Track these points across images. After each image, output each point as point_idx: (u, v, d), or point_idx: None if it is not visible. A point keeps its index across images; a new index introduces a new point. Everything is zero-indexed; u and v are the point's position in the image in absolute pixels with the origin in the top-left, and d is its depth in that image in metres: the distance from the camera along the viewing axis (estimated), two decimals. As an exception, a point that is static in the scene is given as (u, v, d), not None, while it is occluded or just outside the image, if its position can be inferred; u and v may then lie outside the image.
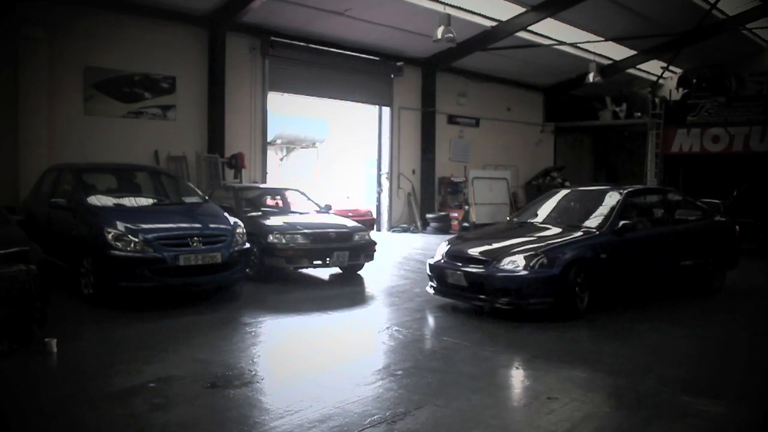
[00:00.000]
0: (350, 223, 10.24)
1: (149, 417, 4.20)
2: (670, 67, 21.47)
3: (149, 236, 7.23)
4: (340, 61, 15.86)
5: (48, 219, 8.23)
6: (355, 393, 4.71)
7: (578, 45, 18.01)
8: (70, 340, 5.83)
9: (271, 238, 8.96)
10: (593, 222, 7.73)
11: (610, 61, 20.20)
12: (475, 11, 15.43)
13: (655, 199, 8.96)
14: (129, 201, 8.25)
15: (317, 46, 15.22)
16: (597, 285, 7.18)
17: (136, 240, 7.15)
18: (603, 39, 17.61)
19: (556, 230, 7.77)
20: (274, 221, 9.48)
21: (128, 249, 7.10)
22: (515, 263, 6.93)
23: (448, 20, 12.89)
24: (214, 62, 13.53)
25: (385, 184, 18.02)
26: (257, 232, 9.00)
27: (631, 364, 5.52)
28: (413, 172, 18.45)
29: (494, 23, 16.12)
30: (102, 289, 7.22)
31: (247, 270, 8.41)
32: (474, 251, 7.45)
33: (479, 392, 4.75)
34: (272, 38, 14.40)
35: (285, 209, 10.91)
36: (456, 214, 18.22)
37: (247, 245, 8.11)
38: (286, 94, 15.95)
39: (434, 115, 18.47)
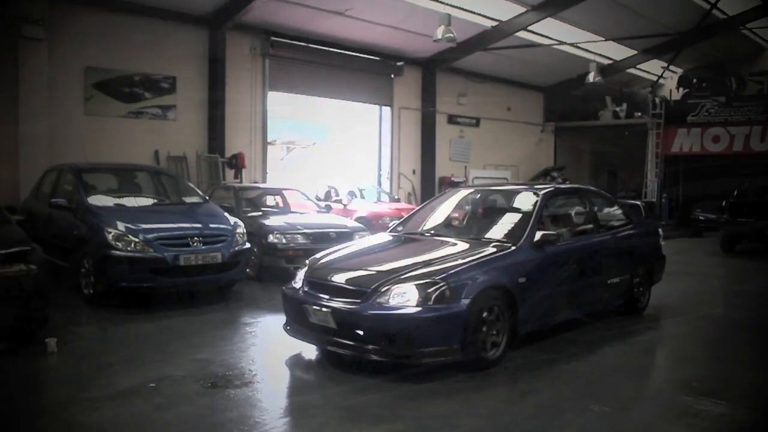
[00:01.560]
0: (351, 223, 10.25)
1: (150, 417, 4.20)
2: (671, 67, 21.51)
3: (149, 236, 7.23)
4: (340, 61, 15.87)
5: (48, 219, 8.24)
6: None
7: (578, 45, 18.02)
8: (70, 340, 5.84)
9: (271, 238, 8.99)
10: (504, 233, 6.01)
11: (610, 61, 20.22)
12: (475, 11, 15.44)
13: (576, 201, 7.18)
14: (129, 201, 8.25)
15: (318, 46, 15.22)
16: (516, 320, 5.37)
17: (137, 240, 7.16)
18: (603, 39, 17.62)
19: (458, 245, 5.82)
20: (274, 221, 9.49)
21: (128, 249, 7.11)
22: (404, 296, 4.92)
23: (448, 20, 12.90)
24: (214, 62, 13.53)
25: (385, 184, 18.02)
26: (257, 232, 9.02)
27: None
28: (413, 172, 18.45)
29: (494, 23, 16.13)
30: (102, 289, 7.22)
31: (248, 270, 8.42)
32: (343, 278, 5.34)
33: None
34: (272, 38, 14.41)
35: (285, 209, 10.91)
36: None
37: (248, 245, 8.12)
38: (286, 94, 15.97)
39: (434, 115, 18.48)
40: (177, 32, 13.05)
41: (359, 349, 4.96)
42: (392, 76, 17.40)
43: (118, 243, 7.12)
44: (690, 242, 16.63)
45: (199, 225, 7.84)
